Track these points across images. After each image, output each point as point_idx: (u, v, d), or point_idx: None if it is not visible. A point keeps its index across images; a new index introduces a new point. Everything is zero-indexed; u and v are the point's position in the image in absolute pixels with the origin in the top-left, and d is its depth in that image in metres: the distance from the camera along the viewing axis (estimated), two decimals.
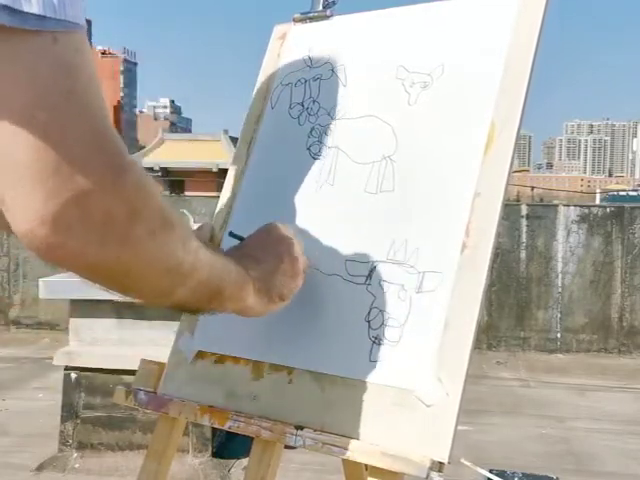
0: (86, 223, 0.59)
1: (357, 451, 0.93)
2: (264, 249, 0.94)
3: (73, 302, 3.32)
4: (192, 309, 0.84)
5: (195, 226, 1.23)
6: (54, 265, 0.63)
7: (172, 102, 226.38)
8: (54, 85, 0.56)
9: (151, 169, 21.11)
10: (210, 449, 3.37)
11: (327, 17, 1.22)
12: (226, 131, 21.69)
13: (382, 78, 1.12)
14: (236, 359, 1.09)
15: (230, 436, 3.44)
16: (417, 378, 0.94)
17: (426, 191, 1.02)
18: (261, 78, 1.26)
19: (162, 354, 1.19)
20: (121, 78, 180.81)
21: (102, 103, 0.61)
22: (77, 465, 3.35)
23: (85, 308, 3.28)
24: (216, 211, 1.21)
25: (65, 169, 0.57)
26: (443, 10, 1.10)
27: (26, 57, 0.55)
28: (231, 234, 1.03)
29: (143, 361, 1.19)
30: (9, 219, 0.59)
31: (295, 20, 1.26)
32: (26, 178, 0.56)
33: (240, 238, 0.99)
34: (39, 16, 0.54)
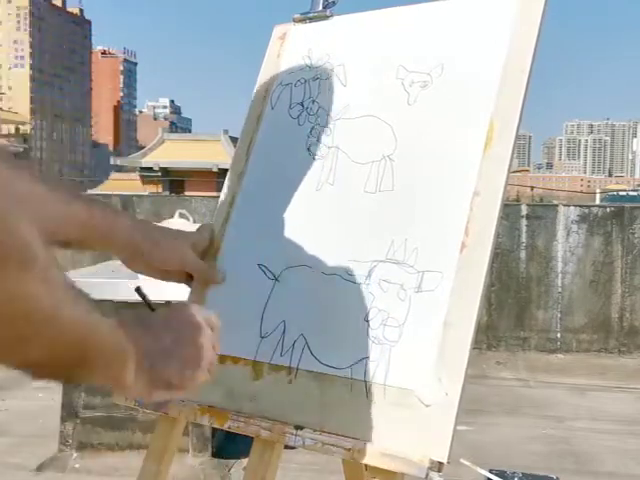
0: None
1: (357, 451, 0.93)
2: (168, 327, 0.83)
3: None
4: (47, 374, 0.69)
5: (195, 227, 1.23)
6: None
7: (172, 102, 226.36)
8: None
9: (151, 169, 21.12)
10: (210, 449, 3.37)
11: (327, 17, 1.22)
12: (226, 131, 21.70)
13: (382, 78, 1.12)
14: (236, 359, 1.09)
15: (230, 436, 3.44)
16: (416, 378, 0.94)
17: (425, 191, 1.02)
18: (261, 78, 1.26)
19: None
20: (121, 78, 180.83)
21: None
22: (77, 465, 3.35)
23: None
24: (216, 211, 1.21)
25: None
26: (442, 10, 1.10)
27: None
28: (138, 291, 0.91)
29: None
30: None
31: (295, 20, 1.26)
32: None
33: (148, 303, 0.90)
34: None
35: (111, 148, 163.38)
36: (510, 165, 0.98)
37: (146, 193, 14.05)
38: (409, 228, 1.01)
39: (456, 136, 1.02)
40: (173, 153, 20.81)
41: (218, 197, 1.23)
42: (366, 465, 0.95)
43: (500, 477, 2.42)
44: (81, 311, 0.67)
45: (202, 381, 0.85)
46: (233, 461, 3.40)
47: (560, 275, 5.95)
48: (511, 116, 0.98)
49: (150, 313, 0.87)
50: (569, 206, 6.08)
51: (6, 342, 0.60)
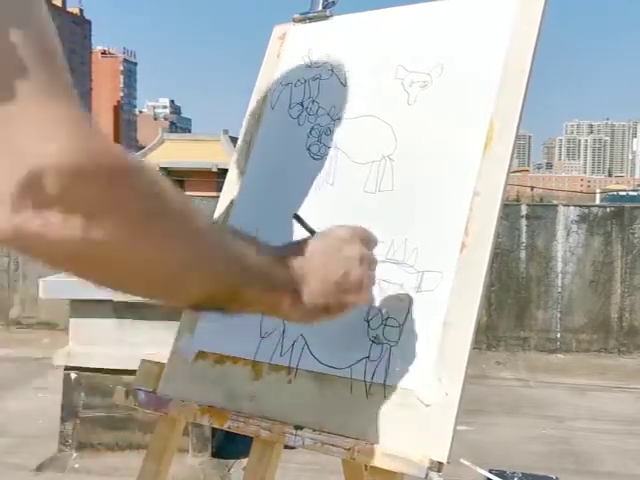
0: (69, 215, 0.54)
1: (357, 451, 0.93)
2: (327, 254, 0.83)
3: (73, 302, 3.32)
4: (213, 308, 0.74)
5: None
6: (50, 264, 0.59)
7: (172, 102, 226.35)
8: None
9: None
10: (210, 449, 3.37)
11: (327, 17, 1.22)
12: (226, 131, 21.70)
13: (381, 78, 1.12)
14: (236, 359, 1.09)
15: (230, 436, 3.44)
16: (416, 378, 0.94)
17: (425, 191, 1.02)
18: (261, 78, 1.26)
19: (162, 354, 1.19)
20: (121, 78, 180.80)
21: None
22: (77, 465, 3.35)
23: (85, 308, 3.28)
24: (216, 211, 1.21)
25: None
26: (442, 10, 1.10)
27: None
28: (296, 217, 0.93)
29: (143, 361, 1.19)
30: None
31: (295, 20, 1.26)
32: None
33: (308, 228, 0.91)
34: None
35: None
36: (510, 165, 0.97)
37: None
38: (409, 228, 1.01)
39: (456, 136, 1.02)
40: (173, 153, 20.80)
41: (218, 197, 1.23)
42: (366, 465, 0.95)
43: (500, 477, 2.42)
44: (238, 255, 0.72)
45: (360, 301, 0.86)
46: (233, 461, 3.40)
47: (560, 275, 5.95)
48: (511, 116, 0.98)
49: (307, 241, 0.85)
50: (569, 206, 6.08)
51: (167, 284, 0.66)
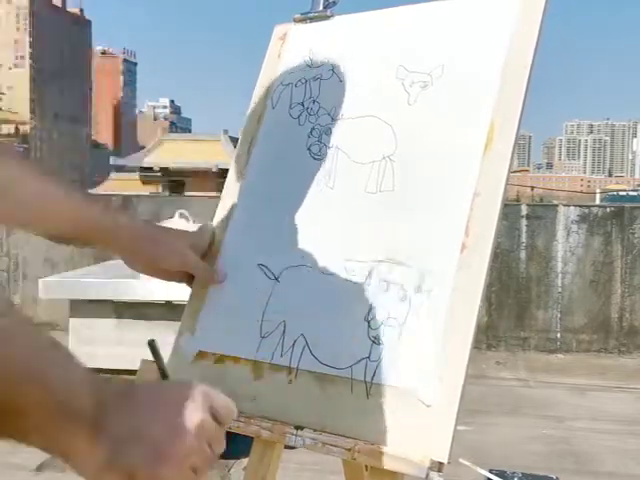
0: None
1: (357, 451, 0.93)
2: (153, 403, 0.64)
3: (73, 302, 3.32)
4: None
5: (195, 227, 1.23)
6: None
7: (172, 102, 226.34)
8: None
9: (151, 169, 21.12)
10: None
11: (327, 17, 1.22)
12: (226, 131, 21.70)
13: (382, 78, 1.12)
14: (236, 359, 1.09)
15: (230, 436, 3.43)
16: (417, 378, 0.94)
17: (426, 191, 1.02)
18: (262, 78, 1.26)
19: (162, 354, 1.19)
20: (121, 78, 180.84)
21: None
22: None
23: (85, 308, 3.28)
24: (217, 212, 1.21)
25: None
26: (443, 10, 1.10)
27: None
28: (151, 345, 0.80)
29: (143, 361, 1.19)
30: None
31: (295, 20, 1.26)
32: None
33: (160, 367, 0.78)
34: None
35: (111, 148, 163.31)
36: (511, 165, 0.97)
37: (146, 193, 14.05)
38: (409, 228, 1.01)
39: (456, 136, 1.02)
40: (173, 153, 20.81)
41: (218, 197, 1.23)
42: (366, 465, 0.95)
43: (500, 477, 2.42)
44: (33, 346, 0.57)
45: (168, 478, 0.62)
46: (233, 461, 3.39)
47: (560, 275, 5.95)
48: (512, 116, 0.98)
49: (138, 386, 0.69)
50: (569, 206, 6.08)
51: None
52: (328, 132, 1.14)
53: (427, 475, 0.87)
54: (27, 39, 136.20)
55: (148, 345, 0.78)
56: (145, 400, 0.64)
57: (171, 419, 0.63)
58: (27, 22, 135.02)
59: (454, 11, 1.09)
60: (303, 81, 1.20)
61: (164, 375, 0.76)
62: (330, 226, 1.08)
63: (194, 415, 0.64)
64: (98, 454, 0.59)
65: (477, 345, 5.65)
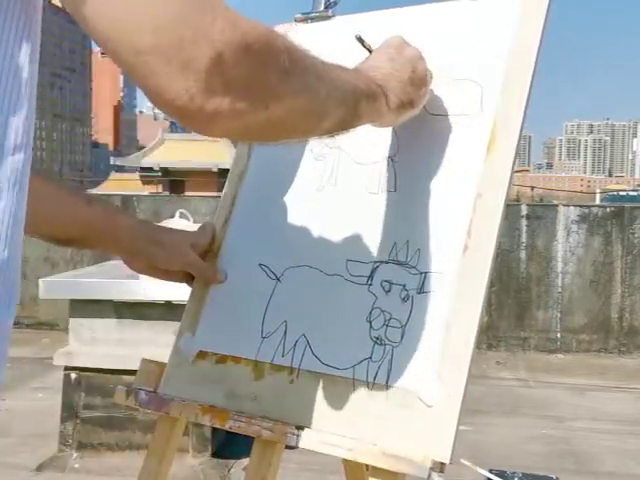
0: (230, 87, 0.62)
1: (358, 451, 0.93)
2: (392, 60, 0.95)
3: (73, 302, 3.31)
4: (343, 130, 0.87)
5: (195, 226, 1.23)
6: (211, 134, 0.67)
7: None
8: None
9: (151, 169, 21.11)
10: (210, 449, 3.36)
11: (328, 17, 1.22)
12: None
13: None
14: (237, 359, 1.09)
15: (230, 436, 3.44)
16: (419, 378, 0.93)
17: (428, 192, 1.02)
18: None
19: (162, 354, 1.19)
20: (121, 78, 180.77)
21: None
22: (77, 465, 3.35)
23: (85, 308, 3.27)
24: (217, 211, 1.21)
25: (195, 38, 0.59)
26: (445, 10, 1.10)
27: None
28: (358, 38, 1.03)
29: (143, 361, 1.19)
30: (153, 99, 0.63)
31: (296, 20, 1.26)
32: (159, 54, 0.58)
33: (367, 48, 1.02)
34: None
35: (111, 148, 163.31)
36: (513, 166, 0.97)
37: (146, 193, 14.05)
38: (412, 229, 1.01)
39: (459, 137, 1.02)
40: (173, 153, 20.81)
41: (218, 197, 1.23)
42: (367, 465, 0.95)
43: (500, 477, 2.42)
44: (346, 79, 0.85)
45: (428, 93, 1.00)
46: (233, 461, 3.39)
47: (560, 275, 5.95)
48: (514, 117, 0.98)
49: (371, 56, 0.98)
50: (569, 206, 6.08)
51: (312, 124, 0.80)
52: None
53: (429, 475, 0.87)
54: None
55: (356, 38, 1.03)
56: (381, 59, 0.96)
57: (404, 59, 0.96)
58: None
59: (456, 12, 1.09)
60: None
61: (370, 51, 1.01)
62: (332, 226, 1.08)
63: (412, 50, 0.98)
64: (391, 104, 0.93)
65: (477, 345, 5.61)
